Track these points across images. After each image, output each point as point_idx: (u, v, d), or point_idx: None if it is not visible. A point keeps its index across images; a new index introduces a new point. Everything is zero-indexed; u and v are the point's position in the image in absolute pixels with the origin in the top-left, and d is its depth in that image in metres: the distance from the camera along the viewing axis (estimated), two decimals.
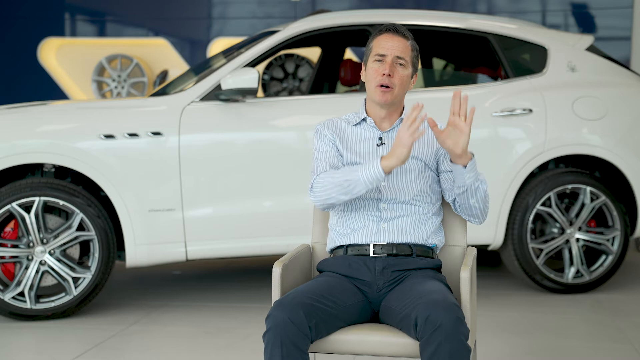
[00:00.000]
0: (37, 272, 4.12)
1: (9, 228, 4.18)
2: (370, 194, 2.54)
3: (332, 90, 5.88)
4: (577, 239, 4.58)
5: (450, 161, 2.46)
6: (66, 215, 4.22)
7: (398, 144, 2.35)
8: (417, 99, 4.33)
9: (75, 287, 4.15)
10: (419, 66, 2.66)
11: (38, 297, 4.15)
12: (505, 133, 4.50)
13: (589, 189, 4.54)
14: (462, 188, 2.49)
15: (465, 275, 2.36)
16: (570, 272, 4.57)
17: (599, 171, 4.81)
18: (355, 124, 2.63)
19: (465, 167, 2.43)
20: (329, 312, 2.32)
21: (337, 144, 2.59)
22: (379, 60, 2.54)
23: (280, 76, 7.84)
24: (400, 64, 2.53)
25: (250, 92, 4.21)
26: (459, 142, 2.38)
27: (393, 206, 2.55)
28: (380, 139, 2.59)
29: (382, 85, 2.52)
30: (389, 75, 2.51)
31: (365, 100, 2.66)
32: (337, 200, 2.48)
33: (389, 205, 2.55)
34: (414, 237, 2.55)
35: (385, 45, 2.54)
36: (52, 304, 4.14)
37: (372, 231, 2.54)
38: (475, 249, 2.66)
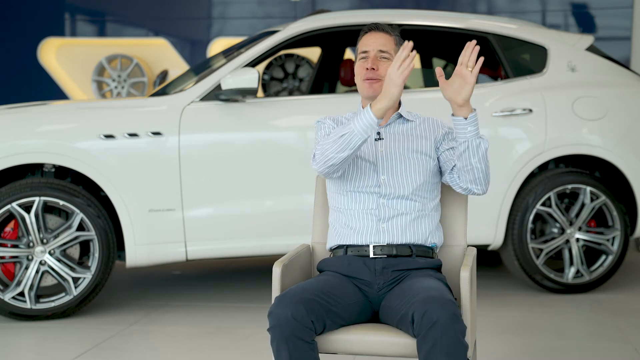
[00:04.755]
0: (37, 272, 4.12)
1: (9, 228, 4.19)
2: (369, 188, 2.56)
3: (332, 90, 5.89)
4: (577, 239, 4.58)
5: (452, 115, 2.44)
6: (66, 215, 4.22)
7: (389, 84, 2.36)
8: (417, 99, 4.34)
9: (75, 287, 4.15)
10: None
11: (38, 297, 4.15)
12: (505, 133, 4.50)
13: (589, 189, 4.54)
14: (464, 145, 2.45)
15: (465, 275, 2.36)
16: (570, 272, 4.57)
17: (599, 171, 4.81)
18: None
19: (467, 118, 2.42)
20: (330, 309, 2.32)
21: None
22: (364, 58, 2.61)
23: (280, 76, 7.84)
24: (384, 57, 2.59)
25: (250, 92, 4.21)
26: (461, 92, 2.38)
27: (392, 202, 2.55)
28: (379, 133, 2.61)
29: (367, 79, 2.57)
30: (373, 68, 2.57)
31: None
32: (337, 158, 2.43)
33: (388, 201, 2.55)
34: (413, 237, 2.55)
35: (368, 42, 2.62)
36: (52, 304, 4.14)
37: (371, 232, 2.55)
38: (475, 249, 2.66)
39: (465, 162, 2.48)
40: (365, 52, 2.61)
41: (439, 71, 2.40)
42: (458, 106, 2.41)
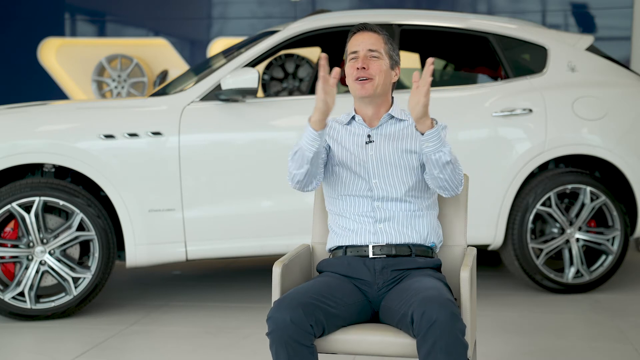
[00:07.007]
0: (37, 272, 4.12)
1: (9, 228, 4.19)
2: (362, 191, 2.56)
3: None
4: (577, 239, 4.58)
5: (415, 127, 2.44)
6: (66, 215, 4.22)
7: (316, 99, 2.41)
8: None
9: (75, 287, 4.16)
10: (400, 60, 2.69)
11: (38, 297, 4.15)
12: (505, 133, 4.50)
13: (589, 189, 4.54)
14: (424, 157, 2.47)
15: (465, 275, 2.36)
16: (570, 272, 4.57)
17: (599, 171, 4.81)
18: (346, 124, 2.68)
19: (423, 134, 2.41)
20: (329, 311, 2.32)
21: (328, 140, 2.63)
22: (354, 58, 2.60)
23: (280, 76, 7.83)
24: (374, 56, 2.58)
25: (250, 92, 4.22)
26: (414, 108, 2.37)
27: (386, 204, 2.56)
28: (369, 136, 2.61)
29: (359, 79, 2.56)
30: (364, 67, 2.55)
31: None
32: (299, 174, 2.50)
33: (383, 204, 2.56)
34: (411, 236, 2.55)
35: (357, 43, 2.60)
36: (52, 304, 4.14)
37: (369, 232, 2.55)
38: (475, 249, 2.66)
39: (428, 172, 2.51)
40: (355, 52, 2.60)
41: (416, 76, 2.36)
42: (415, 120, 2.40)
